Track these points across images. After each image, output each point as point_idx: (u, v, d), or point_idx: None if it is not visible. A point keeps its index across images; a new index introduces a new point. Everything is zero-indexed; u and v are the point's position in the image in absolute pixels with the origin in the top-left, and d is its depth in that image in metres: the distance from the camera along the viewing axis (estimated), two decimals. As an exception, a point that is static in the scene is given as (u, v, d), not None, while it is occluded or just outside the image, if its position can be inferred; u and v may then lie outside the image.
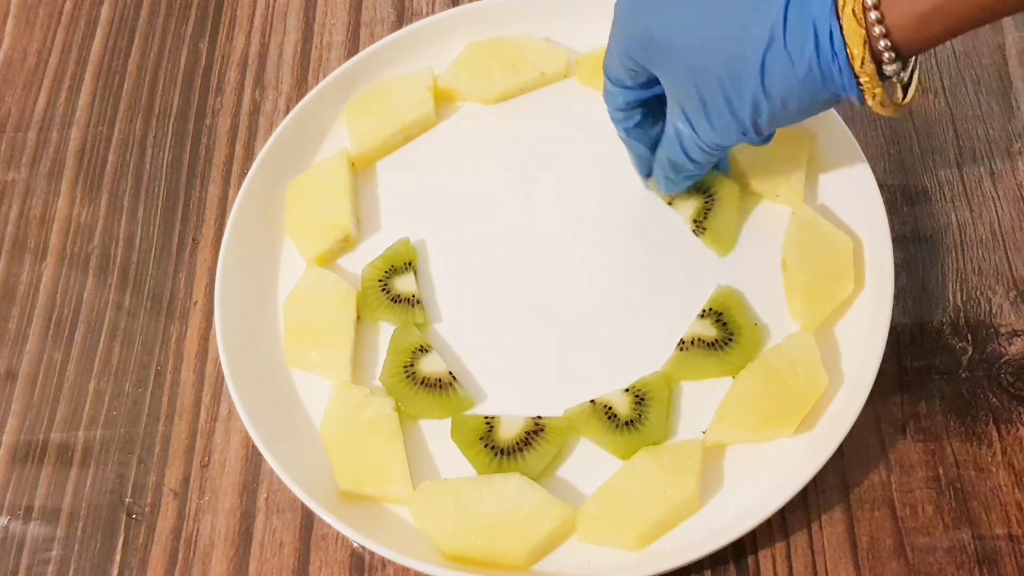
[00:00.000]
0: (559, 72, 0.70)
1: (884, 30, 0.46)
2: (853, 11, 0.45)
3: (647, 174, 0.63)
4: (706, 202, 0.63)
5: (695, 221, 0.63)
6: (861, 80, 0.47)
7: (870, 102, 0.48)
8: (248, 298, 0.63)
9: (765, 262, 0.62)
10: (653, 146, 0.61)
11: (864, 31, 0.45)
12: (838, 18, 0.46)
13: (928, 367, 0.59)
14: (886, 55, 0.46)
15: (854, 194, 0.62)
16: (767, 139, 0.56)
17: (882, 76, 0.47)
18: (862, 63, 0.46)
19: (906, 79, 0.48)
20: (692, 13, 0.50)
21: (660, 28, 0.52)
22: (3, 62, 0.78)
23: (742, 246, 0.63)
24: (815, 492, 0.56)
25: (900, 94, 0.49)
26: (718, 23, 0.49)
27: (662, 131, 0.59)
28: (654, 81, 0.56)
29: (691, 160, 0.57)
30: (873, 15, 0.45)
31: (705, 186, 0.63)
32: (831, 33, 0.46)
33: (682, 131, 0.55)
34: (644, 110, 0.59)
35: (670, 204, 0.64)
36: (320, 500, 0.55)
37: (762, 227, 0.63)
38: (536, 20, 0.71)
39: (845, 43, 0.46)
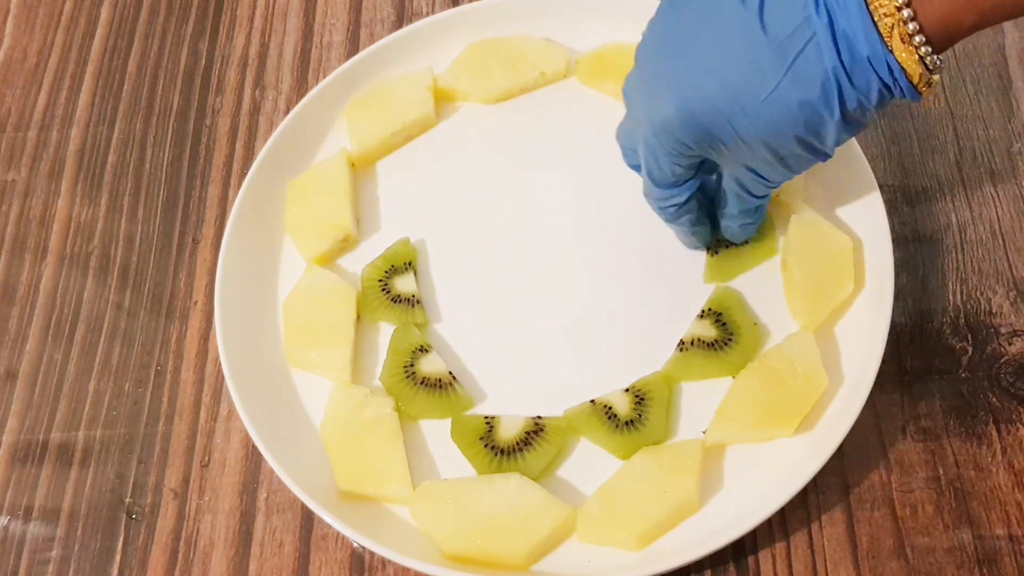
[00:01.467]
0: (559, 72, 0.70)
1: (924, 38, 0.47)
2: (901, 38, 0.46)
3: (704, 244, 0.62)
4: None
5: (717, 240, 0.62)
6: (921, 89, 0.48)
7: (926, 95, 0.49)
8: (248, 298, 0.63)
9: (765, 262, 0.62)
10: (709, 214, 0.60)
11: (914, 50, 0.47)
12: (889, 49, 0.47)
13: (928, 367, 0.59)
14: (928, 60, 0.47)
15: (854, 194, 0.62)
16: None
17: (930, 73, 0.48)
18: (919, 77, 0.48)
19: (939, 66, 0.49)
20: (751, 109, 0.49)
21: (721, 130, 0.51)
22: (3, 62, 0.78)
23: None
24: (815, 492, 0.56)
25: (936, 79, 0.50)
26: (783, 105, 0.49)
27: (698, 190, 0.57)
28: (704, 162, 0.56)
29: (760, 198, 0.57)
30: (918, 39, 0.46)
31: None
32: (889, 66, 0.47)
33: (748, 182, 0.55)
34: (697, 194, 0.58)
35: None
36: (320, 500, 0.55)
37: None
38: (536, 20, 0.71)
39: (903, 70, 0.47)
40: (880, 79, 0.48)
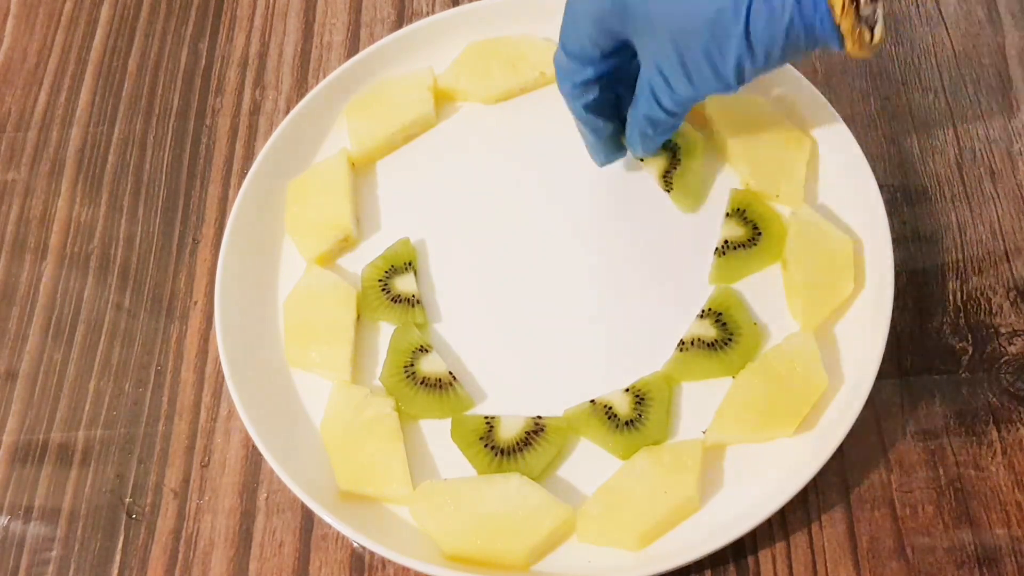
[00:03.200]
0: (559, 72, 0.70)
1: None
2: None
3: (603, 156, 0.63)
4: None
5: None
6: (842, 26, 0.46)
7: (849, 47, 0.47)
8: (248, 298, 0.63)
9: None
10: (611, 117, 0.60)
11: None
12: None
13: (928, 367, 0.59)
14: (864, 5, 0.45)
15: (854, 194, 0.62)
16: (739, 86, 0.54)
17: (859, 18, 0.46)
18: (843, 8, 0.46)
19: (874, 19, 0.47)
20: None
21: (637, 7, 0.51)
22: (3, 62, 0.78)
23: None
24: (815, 492, 0.56)
25: (868, 35, 0.48)
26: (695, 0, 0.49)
27: (617, 100, 0.59)
28: (619, 50, 0.55)
29: (669, 114, 0.57)
30: None
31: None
32: None
33: (658, 88, 0.55)
34: (603, 82, 0.58)
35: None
36: (320, 500, 0.55)
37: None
38: (536, 20, 0.71)
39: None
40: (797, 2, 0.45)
